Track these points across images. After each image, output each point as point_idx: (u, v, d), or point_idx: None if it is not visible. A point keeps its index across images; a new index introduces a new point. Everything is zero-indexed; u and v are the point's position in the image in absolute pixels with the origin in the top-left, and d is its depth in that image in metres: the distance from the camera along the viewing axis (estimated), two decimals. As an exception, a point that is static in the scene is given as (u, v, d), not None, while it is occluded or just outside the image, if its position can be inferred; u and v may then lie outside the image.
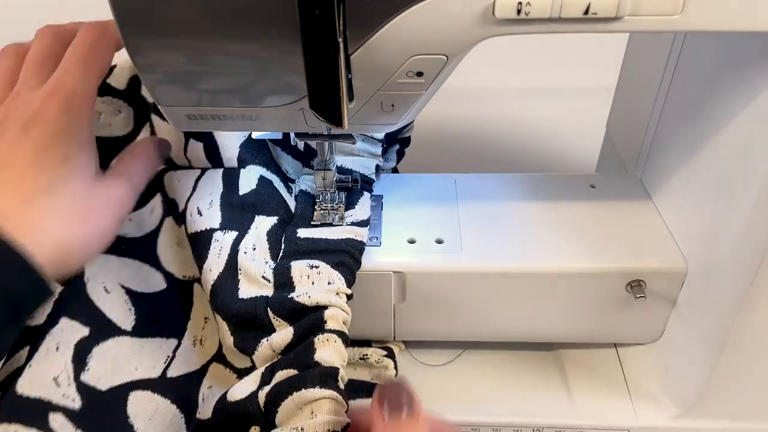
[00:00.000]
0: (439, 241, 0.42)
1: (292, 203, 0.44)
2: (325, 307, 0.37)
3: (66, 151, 0.31)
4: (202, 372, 0.41)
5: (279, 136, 0.44)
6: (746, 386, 0.40)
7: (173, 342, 0.41)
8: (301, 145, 0.47)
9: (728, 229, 0.36)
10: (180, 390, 0.39)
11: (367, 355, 0.44)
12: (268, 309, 0.37)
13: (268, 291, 0.38)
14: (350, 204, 0.44)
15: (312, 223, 0.42)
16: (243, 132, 0.44)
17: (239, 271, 0.39)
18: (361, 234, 0.41)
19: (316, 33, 0.28)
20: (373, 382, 0.43)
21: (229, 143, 0.43)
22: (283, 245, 0.41)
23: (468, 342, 0.47)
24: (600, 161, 0.59)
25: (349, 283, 0.39)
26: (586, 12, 0.28)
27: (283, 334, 0.37)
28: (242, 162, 0.43)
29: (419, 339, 0.47)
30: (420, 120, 0.42)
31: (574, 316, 0.43)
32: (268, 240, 0.41)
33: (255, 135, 0.43)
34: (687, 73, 0.41)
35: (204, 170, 0.43)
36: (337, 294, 0.38)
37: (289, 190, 0.45)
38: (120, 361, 0.38)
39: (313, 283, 0.38)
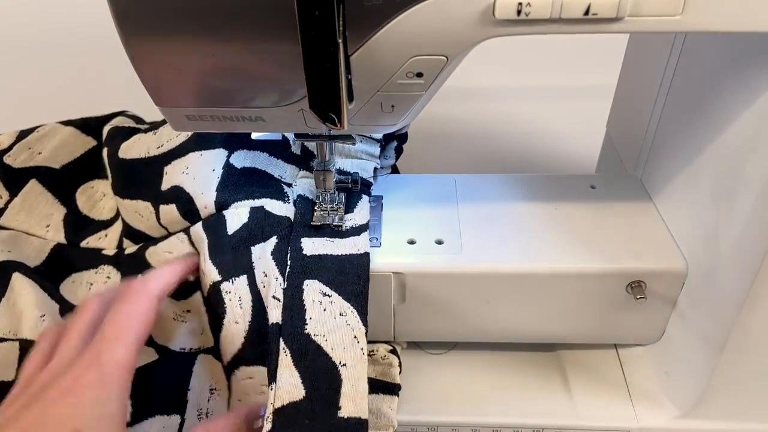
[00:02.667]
0: (439, 242, 0.42)
1: (290, 211, 0.43)
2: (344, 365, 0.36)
3: (80, 425, 0.31)
4: None
5: (279, 136, 0.44)
6: (747, 387, 0.40)
7: (176, 418, 0.40)
8: (297, 147, 0.47)
9: (729, 230, 0.36)
10: None
11: (373, 351, 0.44)
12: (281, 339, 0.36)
13: (277, 313, 0.38)
14: (349, 208, 0.44)
15: (312, 224, 0.42)
16: (214, 175, 0.43)
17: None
18: (362, 245, 0.40)
19: (316, 33, 0.28)
20: (378, 379, 0.42)
21: (203, 189, 0.42)
22: (289, 261, 0.40)
23: (468, 342, 0.47)
24: (600, 161, 0.59)
25: (363, 317, 0.37)
26: (587, 12, 0.28)
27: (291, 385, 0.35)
28: (224, 204, 0.42)
29: (419, 339, 0.47)
30: (420, 120, 0.42)
31: (575, 317, 0.43)
32: (273, 258, 0.39)
33: (254, 136, 0.43)
34: (687, 73, 0.41)
35: (186, 231, 0.43)
36: (356, 339, 0.36)
37: (285, 199, 0.44)
38: None
39: (324, 310, 0.37)
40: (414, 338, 0.46)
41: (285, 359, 0.36)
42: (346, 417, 0.34)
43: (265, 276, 0.39)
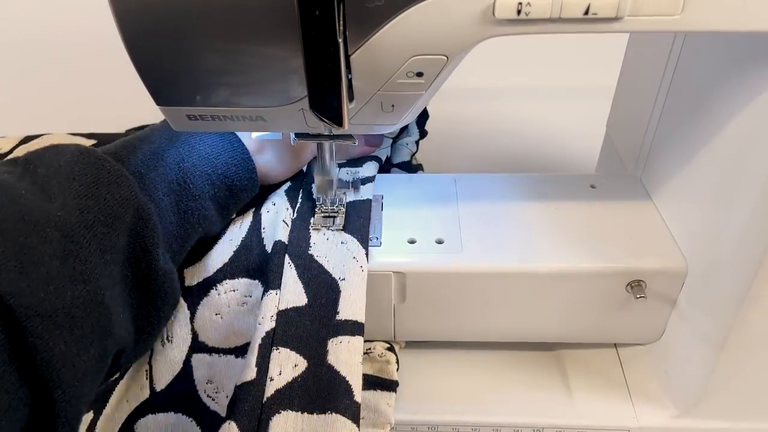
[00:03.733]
0: (439, 241, 0.42)
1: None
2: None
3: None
4: None
5: (279, 136, 0.44)
6: (746, 386, 0.40)
7: None
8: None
9: (728, 229, 0.36)
10: None
11: (370, 349, 0.44)
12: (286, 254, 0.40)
13: (285, 233, 0.41)
14: (357, 164, 0.48)
15: (312, 226, 0.42)
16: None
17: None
18: (366, 194, 0.44)
19: (316, 33, 0.28)
20: (375, 375, 0.43)
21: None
22: (300, 199, 0.44)
23: (468, 342, 0.47)
24: (600, 161, 0.59)
25: (363, 243, 0.41)
26: (586, 12, 0.28)
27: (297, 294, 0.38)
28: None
29: (419, 339, 0.47)
30: (420, 120, 0.42)
31: (574, 317, 0.43)
32: (286, 194, 0.44)
33: (254, 135, 0.43)
34: (687, 73, 0.41)
35: None
36: (354, 258, 0.39)
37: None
38: None
39: (327, 239, 0.41)
40: (414, 338, 0.46)
41: (290, 271, 0.39)
42: (344, 319, 0.37)
43: (274, 205, 0.44)
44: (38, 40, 0.86)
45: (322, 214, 0.43)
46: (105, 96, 0.80)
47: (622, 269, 0.40)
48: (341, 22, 0.28)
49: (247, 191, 0.42)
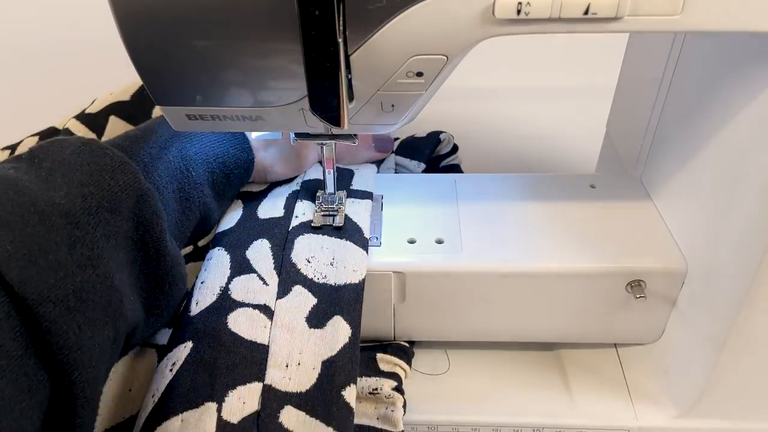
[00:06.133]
0: (439, 241, 0.42)
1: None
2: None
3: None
4: None
5: (279, 136, 0.44)
6: (746, 386, 0.40)
7: None
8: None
9: (728, 229, 0.36)
10: None
11: (377, 389, 0.41)
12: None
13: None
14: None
15: (312, 225, 0.42)
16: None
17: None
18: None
19: (316, 33, 0.28)
20: (377, 428, 0.40)
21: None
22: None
23: (468, 342, 0.47)
24: (600, 161, 0.59)
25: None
26: (586, 12, 0.28)
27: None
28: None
29: (419, 339, 0.47)
30: (420, 120, 0.42)
31: (574, 317, 0.43)
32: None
33: (255, 135, 0.43)
34: (687, 73, 0.41)
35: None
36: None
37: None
38: None
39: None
40: (414, 337, 0.46)
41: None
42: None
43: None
44: (38, 41, 0.86)
45: (322, 213, 0.43)
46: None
47: (622, 269, 0.40)
48: (341, 22, 0.28)
49: (242, 178, 0.44)
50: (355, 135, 0.39)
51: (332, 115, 0.32)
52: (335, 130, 0.35)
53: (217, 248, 0.42)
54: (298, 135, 0.39)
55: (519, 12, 0.28)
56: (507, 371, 0.46)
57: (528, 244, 0.42)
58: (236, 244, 0.41)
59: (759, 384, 0.40)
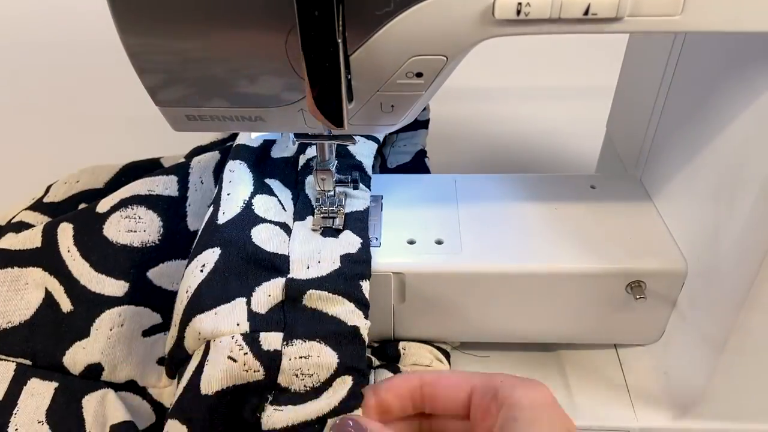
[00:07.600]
0: (439, 242, 0.42)
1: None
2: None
3: None
4: None
5: (279, 136, 0.44)
6: (746, 387, 0.40)
7: None
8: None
9: (728, 230, 0.36)
10: None
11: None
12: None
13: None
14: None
15: (312, 228, 0.42)
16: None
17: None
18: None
19: (316, 33, 0.28)
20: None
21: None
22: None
23: (468, 342, 0.47)
24: (600, 161, 0.59)
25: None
26: (586, 12, 0.28)
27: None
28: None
29: (418, 339, 0.47)
30: (420, 120, 0.42)
31: (574, 317, 0.43)
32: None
33: (254, 135, 0.43)
34: (687, 73, 0.41)
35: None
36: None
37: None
38: None
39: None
40: (413, 338, 0.46)
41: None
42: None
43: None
44: (38, 41, 0.86)
45: (322, 215, 0.43)
46: (105, 96, 0.80)
47: (622, 270, 0.40)
48: (340, 23, 0.28)
49: None
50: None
51: (332, 116, 0.31)
52: (335, 131, 0.35)
53: (238, 161, 0.44)
54: (297, 135, 0.39)
55: (519, 12, 0.28)
56: (507, 371, 0.46)
57: (528, 244, 0.42)
58: (254, 170, 0.44)
59: (759, 385, 0.40)
